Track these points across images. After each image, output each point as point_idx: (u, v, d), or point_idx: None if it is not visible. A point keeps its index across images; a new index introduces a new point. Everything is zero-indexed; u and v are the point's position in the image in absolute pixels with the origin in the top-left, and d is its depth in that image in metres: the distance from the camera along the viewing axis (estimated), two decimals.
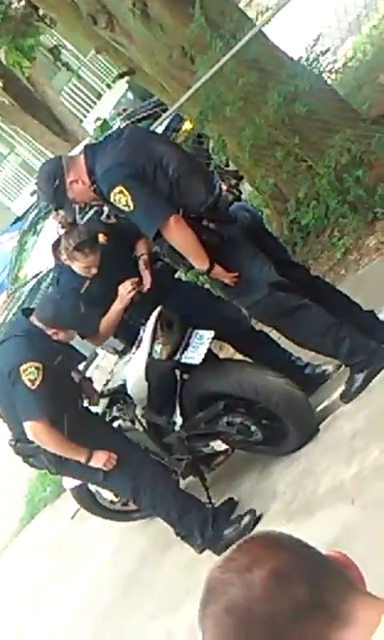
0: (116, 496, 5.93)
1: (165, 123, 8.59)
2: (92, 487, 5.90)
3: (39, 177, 5.45)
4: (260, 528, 1.51)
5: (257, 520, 4.94)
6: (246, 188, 7.31)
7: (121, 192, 4.90)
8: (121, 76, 9.73)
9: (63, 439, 5.00)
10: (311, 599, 1.45)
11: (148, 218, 4.98)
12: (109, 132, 8.71)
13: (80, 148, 7.15)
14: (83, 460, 5.01)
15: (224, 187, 5.10)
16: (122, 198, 4.91)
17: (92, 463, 5.02)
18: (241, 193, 5.35)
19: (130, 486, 5.17)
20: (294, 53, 6.81)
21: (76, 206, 5.65)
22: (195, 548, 5.14)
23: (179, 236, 4.97)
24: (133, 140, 5.16)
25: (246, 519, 4.99)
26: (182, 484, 5.95)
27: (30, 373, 4.90)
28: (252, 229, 5.30)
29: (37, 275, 9.98)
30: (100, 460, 5.02)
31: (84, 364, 5.70)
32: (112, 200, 4.96)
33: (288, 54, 6.85)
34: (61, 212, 5.45)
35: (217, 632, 1.49)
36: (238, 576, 1.48)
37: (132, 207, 4.91)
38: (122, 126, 9.11)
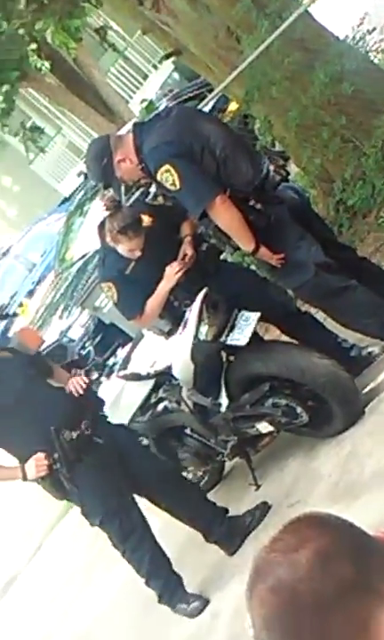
0: None
1: (211, 103, 8.56)
2: None
3: (87, 156, 5.46)
4: (308, 510, 1.51)
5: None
6: (293, 168, 7.27)
7: (168, 171, 4.91)
8: (167, 56, 9.72)
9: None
10: (357, 579, 1.45)
11: (194, 197, 4.97)
12: (156, 111, 8.70)
13: (127, 127, 7.15)
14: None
15: (271, 167, 5.08)
16: (169, 177, 4.91)
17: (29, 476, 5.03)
18: (288, 174, 5.34)
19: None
20: (340, 33, 6.76)
21: (123, 187, 5.65)
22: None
23: (225, 216, 4.96)
24: (182, 119, 5.16)
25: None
26: (228, 465, 5.97)
27: None
28: (299, 210, 5.28)
29: (84, 256, 10.01)
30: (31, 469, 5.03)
31: (130, 345, 5.72)
32: (159, 179, 4.97)
33: (334, 34, 6.81)
34: (109, 192, 5.46)
35: (264, 612, 1.49)
36: (285, 556, 1.48)
37: (178, 186, 4.91)
38: (169, 106, 9.09)
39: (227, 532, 5.23)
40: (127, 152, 5.11)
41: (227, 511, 5.33)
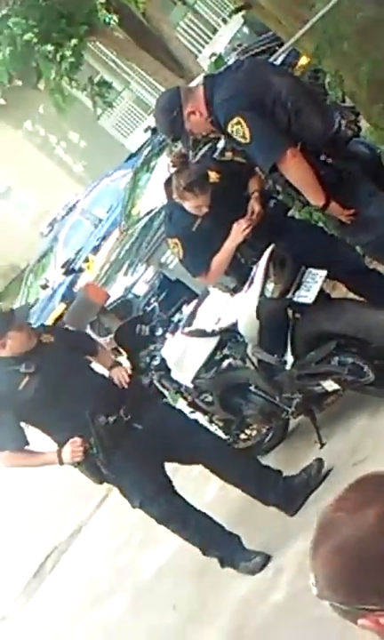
0: (226, 434, 5.97)
1: (281, 58, 8.45)
2: (203, 424, 5.95)
3: (156, 108, 5.42)
4: (373, 469, 1.50)
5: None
6: (363, 124, 7.17)
7: (238, 123, 4.86)
8: (237, 10, 9.63)
9: None
10: None
11: (264, 150, 4.92)
12: (226, 65, 8.62)
13: (197, 80, 7.10)
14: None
15: (343, 122, 5.02)
16: (239, 129, 4.86)
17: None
18: (360, 129, 5.26)
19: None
20: None
21: (191, 142, 5.62)
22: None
23: (295, 169, 4.91)
24: (253, 72, 5.10)
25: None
26: (293, 422, 5.96)
27: None
28: (371, 166, 5.21)
29: (150, 212, 9.99)
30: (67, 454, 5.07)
31: (195, 301, 5.71)
32: (229, 131, 4.92)
33: None
34: (176, 148, 5.43)
35: (329, 571, 1.49)
36: (350, 515, 1.47)
37: (248, 139, 4.86)
38: (240, 59, 8.99)
39: (284, 494, 5.24)
40: (197, 104, 5.06)
41: (281, 473, 5.33)
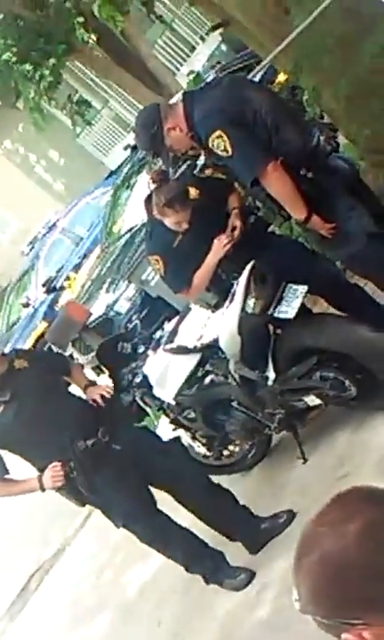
0: (209, 450, 5.97)
1: (259, 75, 8.49)
2: (185, 441, 5.94)
3: (137, 124, 5.44)
4: (356, 483, 1.50)
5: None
6: (341, 140, 7.20)
7: (220, 137, 4.88)
8: (214, 28, 9.66)
9: None
10: None
11: (246, 164, 4.94)
12: (206, 82, 8.66)
13: (177, 98, 7.13)
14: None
15: (322, 137, 5.04)
16: (221, 143, 4.88)
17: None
18: (338, 145, 5.29)
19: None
20: None
21: (170, 158, 5.63)
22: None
23: (277, 182, 4.92)
24: (232, 88, 5.13)
25: None
26: (275, 438, 5.96)
27: None
28: (350, 181, 5.23)
29: (131, 229, 9.99)
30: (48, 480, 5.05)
31: (176, 318, 5.71)
32: (210, 145, 4.93)
33: None
34: (156, 165, 5.45)
35: (311, 585, 1.49)
36: (332, 529, 1.47)
37: (230, 152, 4.88)
38: (219, 76, 9.04)
39: (250, 535, 5.24)
40: (177, 120, 5.08)
41: (251, 514, 5.31)
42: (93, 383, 5.45)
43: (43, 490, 5.08)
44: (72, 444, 5.00)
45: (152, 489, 5.21)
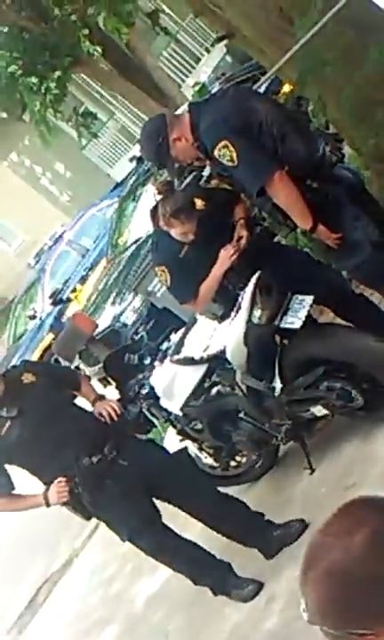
0: (216, 461, 5.96)
1: (264, 86, 8.51)
2: (192, 452, 5.93)
3: (142, 134, 5.45)
4: (363, 493, 1.50)
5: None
6: (346, 150, 7.21)
7: (226, 146, 4.88)
8: (219, 39, 9.68)
9: None
10: None
11: (252, 173, 4.94)
12: (211, 93, 8.67)
13: (183, 108, 7.14)
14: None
15: (327, 148, 5.05)
16: (226, 153, 4.88)
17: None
18: (343, 155, 5.30)
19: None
20: None
21: (176, 168, 5.64)
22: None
23: (283, 192, 4.93)
24: (238, 99, 5.14)
25: None
26: (282, 449, 5.95)
27: None
28: (355, 191, 5.24)
29: (137, 241, 10.01)
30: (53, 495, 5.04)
31: (183, 329, 5.71)
32: (216, 155, 4.93)
33: None
34: (161, 176, 5.46)
35: (319, 596, 1.48)
36: (338, 540, 1.47)
37: (236, 162, 4.88)
38: (224, 87, 9.06)
39: (264, 541, 5.22)
40: (183, 131, 5.09)
41: (265, 520, 5.29)
42: (102, 397, 5.44)
43: (48, 505, 5.08)
44: (77, 460, 5.00)
45: (159, 502, 5.20)
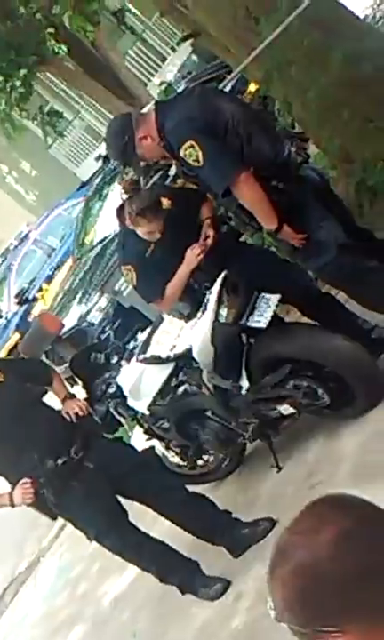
0: (183, 460, 5.97)
1: (230, 85, 8.52)
2: (159, 451, 5.94)
3: (108, 133, 5.43)
4: (329, 491, 1.50)
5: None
6: (312, 149, 7.23)
7: (192, 146, 4.87)
8: (185, 38, 9.68)
9: None
10: (379, 560, 1.44)
11: (218, 173, 4.94)
12: (177, 92, 8.67)
13: (149, 107, 7.13)
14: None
15: (293, 149, 5.06)
16: (192, 152, 4.87)
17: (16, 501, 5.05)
18: (309, 156, 5.31)
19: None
20: (360, 12, 6.71)
21: (142, 167, 5.62)
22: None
23: (249, 192, 4.93)
24: (204, 98, 5.14)
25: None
26: (249, 447, 5.96)
27: None
28: (321, 192, 5.25)
29: (103, 240, 9.99)
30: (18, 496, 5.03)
31: (149, 328, 5.71)
32: (182, 155, 4.93)
33: (354, 13, 6.75)
34: (128, 175, 5.45)
35: (286, 594, 1.49)
36: (306, 538, 1.48)
37: (202, 162, 4.87)
38: (190, 86, 9.06)
39: (231, 540, 5.21)
40: (149, 129, 5.08)
41: (231, 518, 5.29)
42: (73, 396, 5.42)
43: (13, 506, 5.06)
44: (41, 462, 4.99)
45: (128, 501, 5.20)
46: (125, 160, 5.37)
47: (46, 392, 5.62)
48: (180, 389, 5.52)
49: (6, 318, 14.85)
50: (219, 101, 5.15)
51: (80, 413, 5.21)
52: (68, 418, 5.21)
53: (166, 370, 5.48)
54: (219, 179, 4.94)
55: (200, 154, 4.85)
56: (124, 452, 5.41)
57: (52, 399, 5.56)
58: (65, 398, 5.34)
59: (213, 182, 4.99)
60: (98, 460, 5.09)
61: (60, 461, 5.00)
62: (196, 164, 4.90)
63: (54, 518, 5.38)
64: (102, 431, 5.62)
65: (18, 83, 14.45)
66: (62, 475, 5.00)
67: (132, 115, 5.33)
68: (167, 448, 5.94)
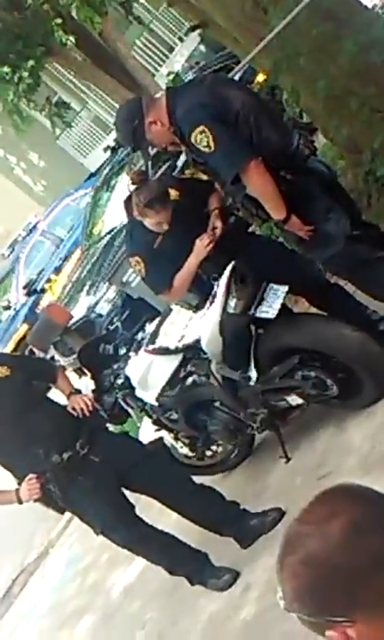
0: (192, 451, 5.97)
1: (238, 75, 8.51)
2: (168, 442, 5.94)
3: (118, 117, 5.40)
4: (338, 481, 1.50)
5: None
6: (320, 139, 7.21)
7: (203, 132, 4.85)
8: (193, 28, 9.65)
9: None
10: None
11: (228, 160, 4.91)
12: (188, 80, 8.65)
13: (159, 94, 7.12)
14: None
15: (301, 140, 5.05)
16: (203, 138, 4.85)
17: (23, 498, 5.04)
18: (316, 148, 5.29)
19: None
20: (368, 1, 6.68)
21: (151, 152, 5.60)
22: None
23: (258, 180, 4.91)
24: (216, 86, 5.11)
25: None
26: (258, 438, 5.96)
27: None
28: (328, 184, 5.23)
29: (111, 231, 9.99)
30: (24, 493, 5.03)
31: (158, 319, 5.71)
32: (193, 140, 4.90)
33: (362, 2, 6.73)
34: (136, 166, 5.43)
35: (295, 584, 1.49)
36: (316, 528, 1.47)
37: (213, 148, 4.84)
38: (201, 75, 9.04)
39: (239, 531, 5.22)
40: (159, 114, 5.05)
41: (240, 510, 5.30)
42: (78, 391, 5.42)
43: (20, 502, 5.06)
44: (47, 457, 4.99)
45: (134, 495, 5.20)
46: (135, 145, 5.34)
47: (50, 387, 5.62)
48: (189, 380, 5.53)
49: (15, 309, 14.86)
50: (230, 90, 5.13)
51: (85, 409, 5.21)
52: (74, 413, 5.21)
53: (175, 361, 5.48)
54: (229, 165, 4.92)
55: (211, 139, 4.83)
56: (129, 445, 5.41)
57: (56, 394, 5.56)
58: (70, 394, 5.34)
59: (223, 169, 4.97)
60: (103, 454, 5.09)
61: (65, 456, 5.00)
62: (206, 149, 4.87)
63: (62, 512, 5.39)
64: (110, 422, 5.62)
65: (25, 74, 14.43)
66: (68, 469, 5.01)
67: (143, 99, 5.31)
68: (176, 439, 5.94)
